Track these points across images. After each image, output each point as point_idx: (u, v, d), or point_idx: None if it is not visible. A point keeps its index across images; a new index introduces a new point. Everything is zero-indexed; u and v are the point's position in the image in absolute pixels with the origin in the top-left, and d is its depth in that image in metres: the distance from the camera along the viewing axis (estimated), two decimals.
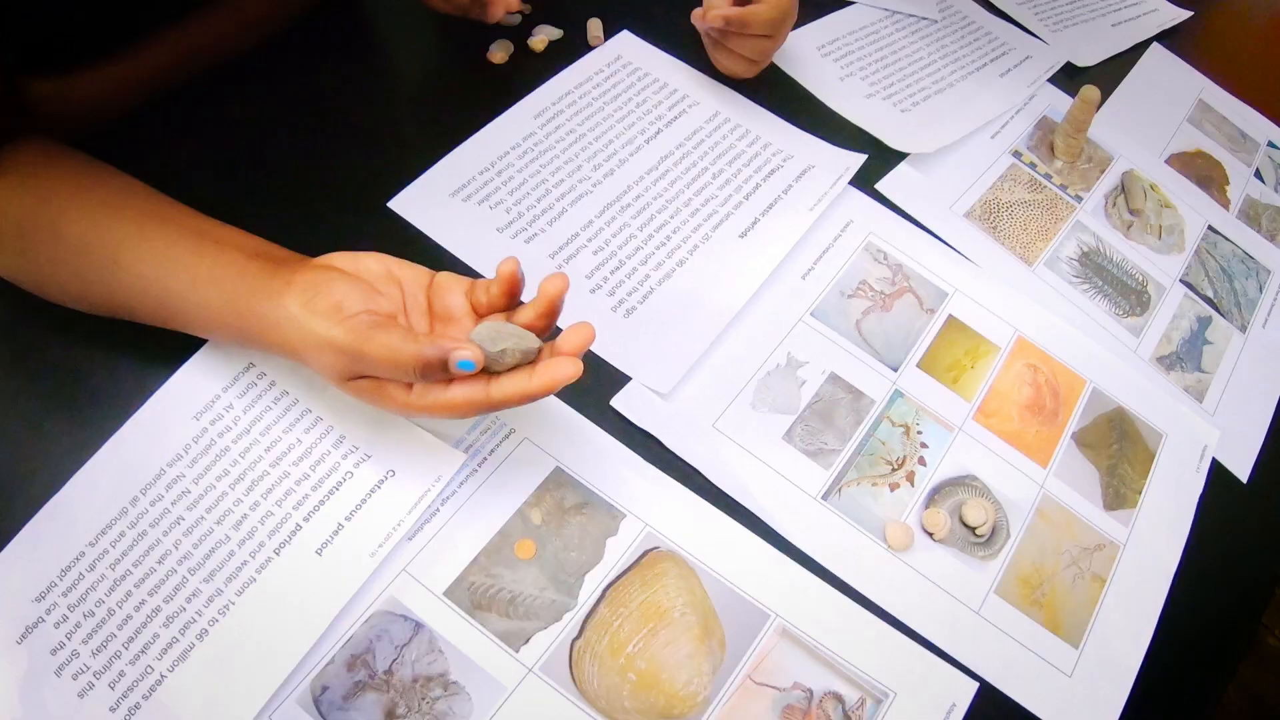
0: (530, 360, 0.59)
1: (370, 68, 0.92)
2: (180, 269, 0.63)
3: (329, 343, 0.58)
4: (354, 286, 0.60)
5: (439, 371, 0.57)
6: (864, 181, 0.90)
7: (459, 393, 0.58)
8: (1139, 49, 1.21)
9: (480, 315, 0.62)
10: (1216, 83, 1.23)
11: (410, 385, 0.59)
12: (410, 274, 0.63)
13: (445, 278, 0.63)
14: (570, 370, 0.57)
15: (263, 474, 0.67)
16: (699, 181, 0.85)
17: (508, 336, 0.58)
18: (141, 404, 0.68)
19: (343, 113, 0.87)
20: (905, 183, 0.91)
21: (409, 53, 0.94)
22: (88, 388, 0.69)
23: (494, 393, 0.58)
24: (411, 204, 0.80)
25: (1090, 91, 0.97)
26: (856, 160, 0.90)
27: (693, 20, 0.87)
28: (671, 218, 0.83)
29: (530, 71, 0.92)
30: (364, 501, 0.66)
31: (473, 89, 0.91)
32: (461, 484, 0.67)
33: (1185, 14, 1.31)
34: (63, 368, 0.70)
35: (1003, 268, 0.88)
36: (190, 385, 0.69)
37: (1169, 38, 1.26)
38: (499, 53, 0.92)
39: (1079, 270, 0.91)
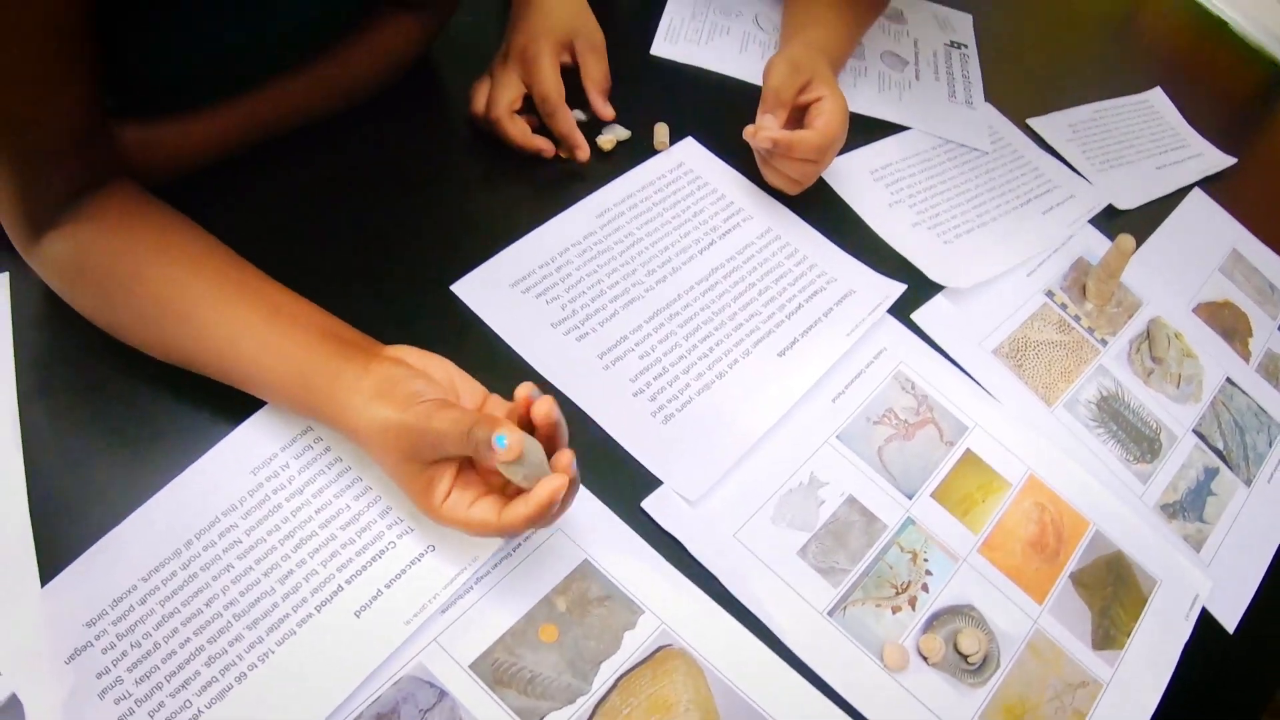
0: (541, 453, 0.66)
1: (445, 145, 0.99)
2: (253, 337, 0.70)
3: (398, 424, 0.65)
4: (428, 384, 0.67)
5: (485, 446, 0.63)
6: (901, 310, 0.96)
7: (476, 512, 0.66)
8: (1180, 193, 1.27)
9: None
10: (1252, 231, 1.28)
11: (447, 493, 0.67)
12: (468, 388, 0.70)
13: (496, 403, 0.70)
14: (555, 484, 0.64)
15: (311, 534, 0.72)
16: (745, 296, 0.91)
17: (530, 452, 0.64)
18: (203, 453, 0.74)
19: (414, 187, 0.94)
20: (940, 315, 0.97)
21: (482, 134, 0.99)
22: (152, 429, 0.75)
23: (504, 517, 0.65)
24: (473, 290, 0.87)
25: (1126, 242, 1.03)
26: (896, 290, 0.96)
27: (744, 136, 0.94)
28: (716, 330, 0.89)
29: (597, 169, 0.99)
30: (404, 572, 0.72)
31: (541, 179, 0.98)
32: (495, 566, 0.73)
33: (1229, 160, 1.36)
34: (131, 406, 0.76)
35: (1023, 406, 0.94)
36: (250, 441, 0.75)
37: (1210, 183, 1.31)
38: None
39: (1096, 414, 0.96)
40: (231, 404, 0.75)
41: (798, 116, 0.96)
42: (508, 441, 0.63)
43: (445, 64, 1.05)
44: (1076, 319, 1.03)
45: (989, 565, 0.84)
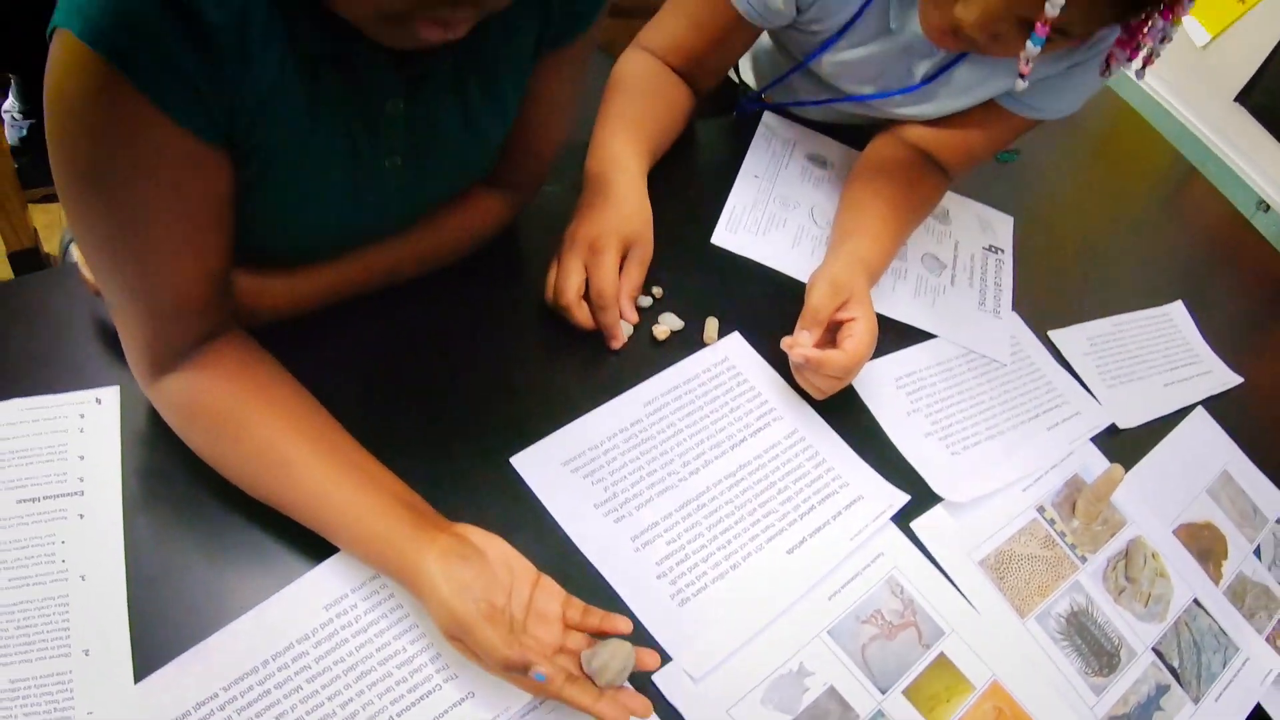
0: (628, 669, 0.82)
1: (517, 314, 1.14)
2: (340, 494, 0.86)
3: (450, 610, 0.80)
4: (481, 572, 0.82)
5: (520, 671, 0.79)
6: (902, 517, 1.10)
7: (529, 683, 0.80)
8: (1184, 411, 1.40)
9: (567, 627, 0.84)
10: (1247, 454, 1.41)
11: None
12: (522, 568, 0.85)
13: (548, 583, 0.86)
14: (621, 711, 0.80)
15: (370, 668, 0.87)
16: (766, 494, 1.06)
17: (605, 654, 0.81)
18: (285, 585, 0.88)
19: (486, 353, 1.09)
20: (937, 526, 1.11)
21: (550, 314, 1.14)
22: (243, 555, 0.89)
23: (565, 690, 0.80)
24: (530, 465, 1.02)
25: (1116, 472, 1.17)
26: (900, 499, 1.10)
27: (781, 346, 1.10)
28: (736, 524, 1.03)
29: (650, 355, 1.14)
30: (445, 713, 0.86)
31: (600, 361, 1.13)
32: (525, 715, 0.88)
33: (1236, 379, 1.49)
34: (226, 531, 0.90)
35: (998, 617, 1.08)
36: (325, 580, 0.90)
37: (1214, 401, 1.44)
38: (624, 332, 1.14)
39: (1064, 628, 1.10)
40: (312, 545, 0.89)
41: (833, 329, 1.11)
42: (546, 674, 0.78)
43: (527, 229, 1.20)
44: (1062, 535, 1.17)
45: None
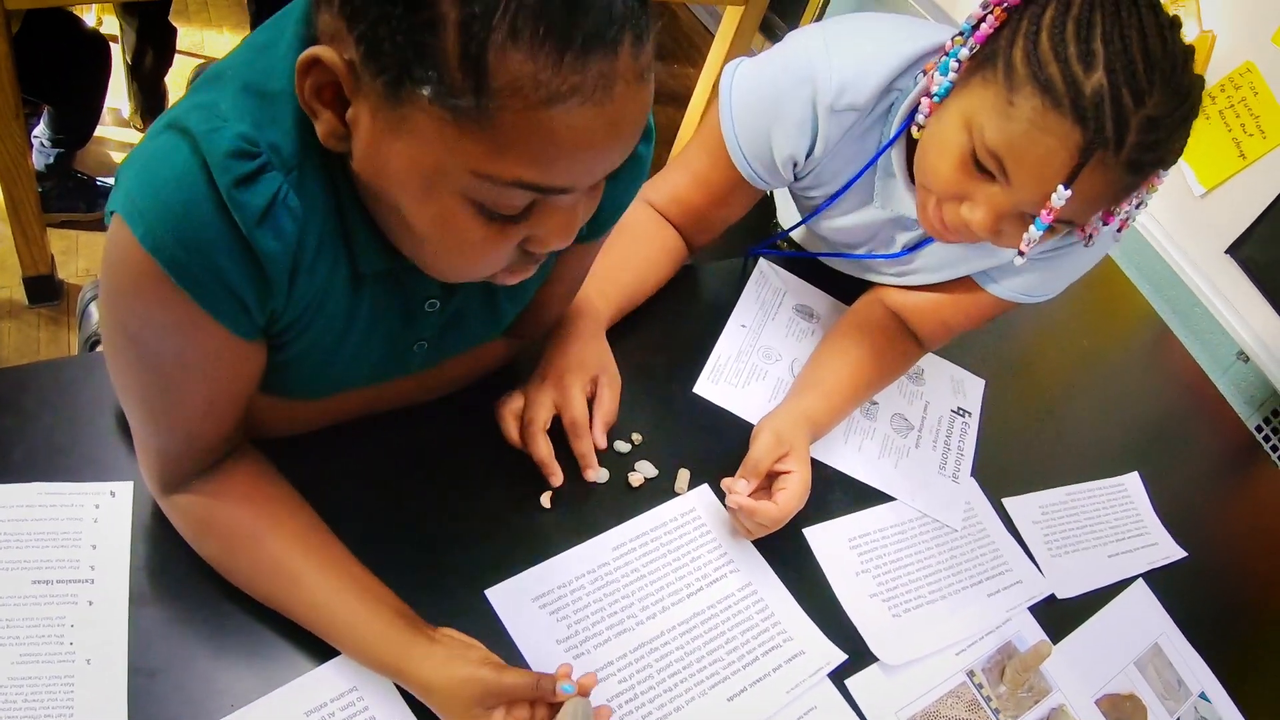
0: None
1: (500, 450, 1.23)
2: (345, 606, 0.97)
3: (476, 678, 0.93)
4: (483, 652, 0.96)
5: (551, 694, 0.93)
6: (839, 673, 1.21)
7: None
8: (1125, 583, 1.51)
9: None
10: (1181, 628, 1.52)
11: None
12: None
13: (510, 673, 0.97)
14: None
15: None
16: (715, 643, 1.17)
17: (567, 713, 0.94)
18: (275, 686, 0.97)
19: (468, 485, 1.20)
20: (870, 685, 1.22)
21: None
22: (238, 655, 0.97)
23: None
24: (503, 598, 1.12)
25: (1044, 647, 1.29)
26: (838, 658, 1.20)
27: (721, 485, 1.22)
28: (684, 669, 1.14)
29: (624, 500, 1.25)
30: None
31: (576, 502, 1.23)
32: None
33: (1180, 554, 1.60)
34: (224, 629, 0.98)
35: None
36: (312, 687, 0.99)
37: (1156, 574, 1.55)
38: (600, 476, 1.25)
39: None
40: (302, 650, 1.00)
41: (771, 476, 1.23)
42: (572, 683, 0.94)
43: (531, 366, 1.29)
44: (988, 699, 1.29)
45: None
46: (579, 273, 1.16)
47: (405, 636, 0.93)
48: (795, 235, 1.61)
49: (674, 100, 3.51)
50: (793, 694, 1.16)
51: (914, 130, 1.20)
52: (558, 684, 0.95)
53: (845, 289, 1.60)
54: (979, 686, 1.28)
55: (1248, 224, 2.56)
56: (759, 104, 1.28)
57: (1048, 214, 1.06)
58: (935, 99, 1.14)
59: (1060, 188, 1.03)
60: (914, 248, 1.39)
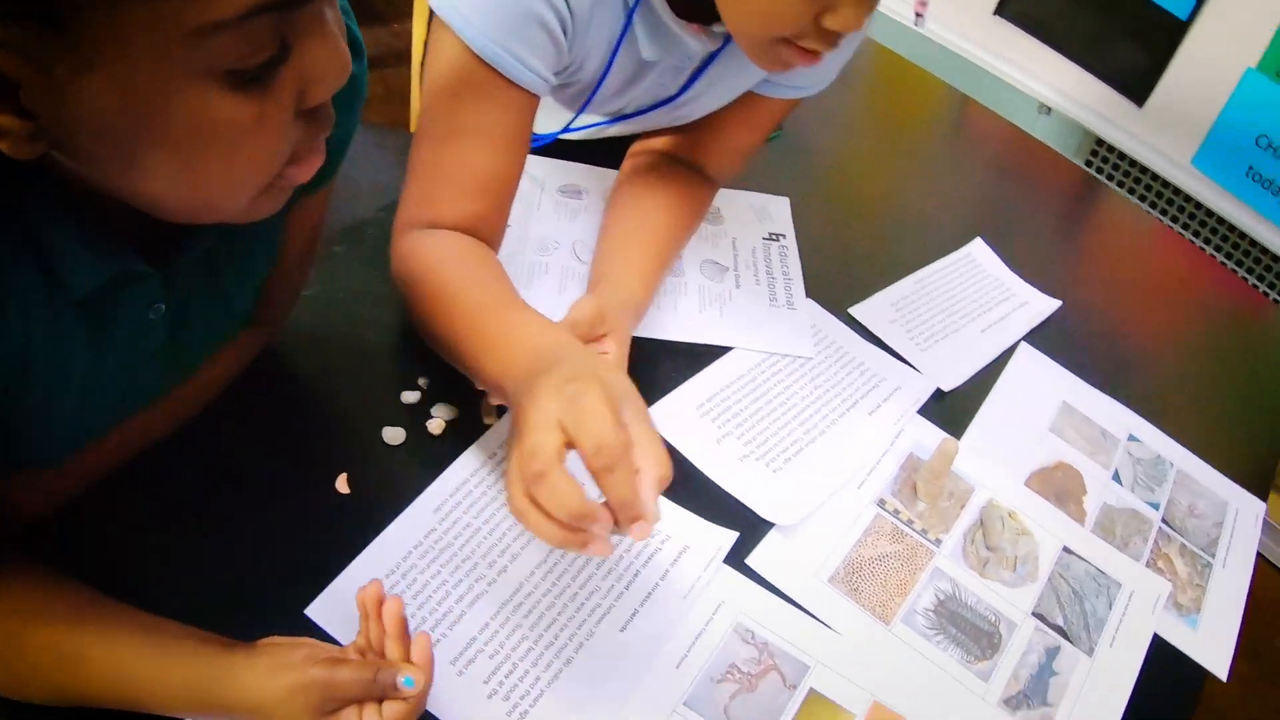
0: None
1: (287, 448, 1.08)
2: (144, 661, 0.80)
3: (306, 683, 0.77)
4: (312, 648, 0.81)
5: (393, 689, 0.79)
6: (736, 554, 1.06)
7: None
8: (1008, 353, 1.39)
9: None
10: (1081, 376, 1.40)
11: None
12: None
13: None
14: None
15: None
16: (584, 573, 1.01)
17: None
18: None
19: (259, 491, 1.03)
20: (773, 555, 1.07)
21: (312, 434, 1.10)
22: None
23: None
24: (327, 612, 0.94)
25: (949, 445, 1.14)
26: (728, 539, 1.06)
27: None
28: (559, 614, 0.98)
29: (431, 454, 1.08)
30: None
31: (370, 478, 1.06)
32: None
33: (1054, 304, 1.49)
34: None
35: (861, 631, 1.04)
36: None
37: (1037, 333, 1.44)
38: (396, 437, 1.08)
39: (934, 621, 1.07)
40: None
41: None
42: (415, 679, 0.79)
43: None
44: (909, 523, 1.14)
45: None
46: (310, 232, 1.00)
47: (217, 660, 0.79)
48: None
49: (401, 60, 3.32)
50: (691, 596, 1.01)
51: None
52: (398, 677, 0.80)
53: (608, 155, 1.45)
54: (895, 513, 1.14)
55: None
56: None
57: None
58: None
59: None
60: (691, 80, 1.23)
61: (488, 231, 1.10)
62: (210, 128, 0.62)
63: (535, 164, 1.46)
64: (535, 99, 1.10)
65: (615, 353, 1.07)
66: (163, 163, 0.64)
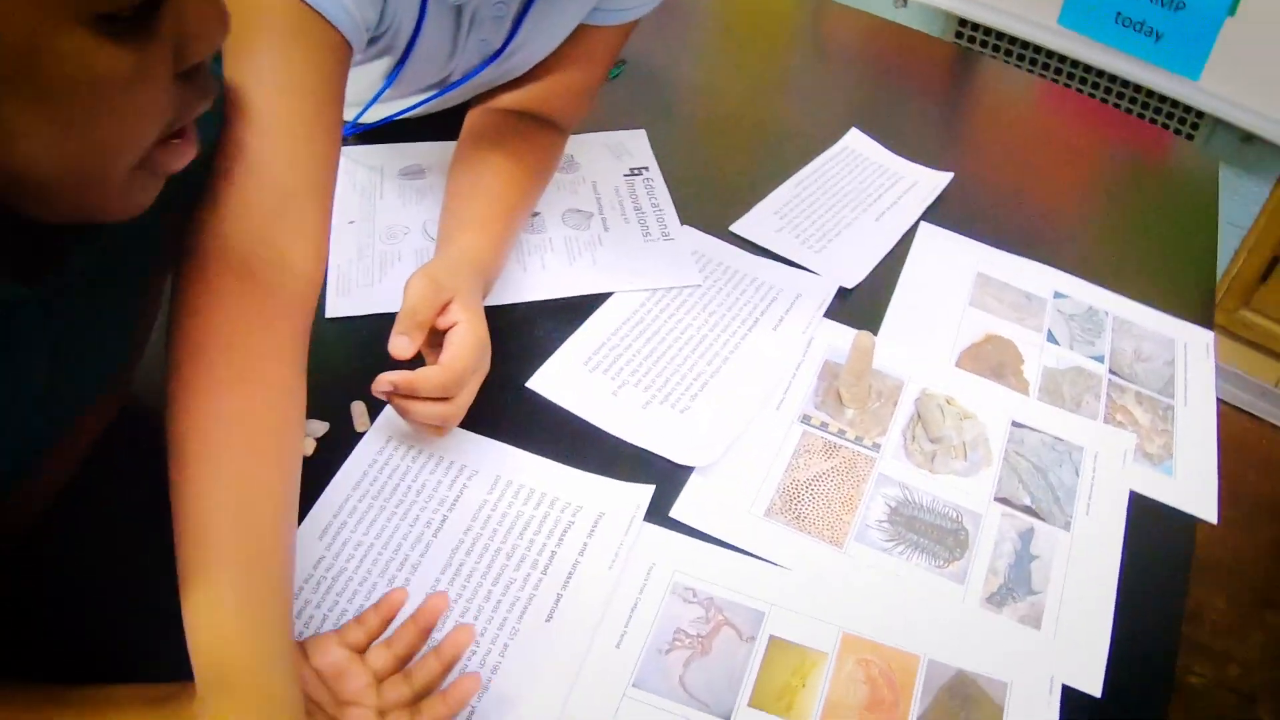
0: None
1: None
2: None
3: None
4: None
5: None
6: (659, 511, 0.95)
7: None
8: (908, 237, 1.29)
9: (361, 651, 0.78)
10: (990, 243, 1.31)
11: None
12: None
13: (312, 646, 0.77)
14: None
15: None
16: (494, 568, 0.90)
17: None
18: None
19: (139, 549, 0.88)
20: (699, 500, 0.96)
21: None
22: None
23: None
24: None
25: (864, 339, 1.04)
26: (645, 494, 0.95)
27: (373, 389, 0.92)
28: (476, 619, 0.86)
29: (306, 476, 0.95)
30: None
31: None
32: None
33: (946, 177, 1.39)
34: None
35: (813, 562, 0.93)
36: None
37: (935, 211, 1.33)
38: None
39: (890, 531, 0.96)
40: None
41: (439, 341, 0.94)
42: None
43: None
44: (841, 434, 1.03)
45: None
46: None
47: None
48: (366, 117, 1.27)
49: None
50: (616, 566, 0.91)
51: None
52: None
53: (447, 130, 1.30)
54: (823, 427, 1.04)
55: None
56: None
57: None
58: None
59: None
60: (515, 27, 1.10)
61: (306, 230, 0.86)
62: (86, 79, 0.55)
63: (373, 152, 1.35)
64: (350, 51, 0.95)
65: (465, 317, 0.94)
66: (35, 121, 0.56)
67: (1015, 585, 0.95)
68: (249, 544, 0.74)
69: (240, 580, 0.73)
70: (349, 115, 1.20)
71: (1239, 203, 2.34)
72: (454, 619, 0.88)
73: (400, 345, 0.92)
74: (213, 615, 0.71)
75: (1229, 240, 2.40)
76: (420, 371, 0.90)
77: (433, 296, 0.93)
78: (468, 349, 0.91)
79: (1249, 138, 2.20)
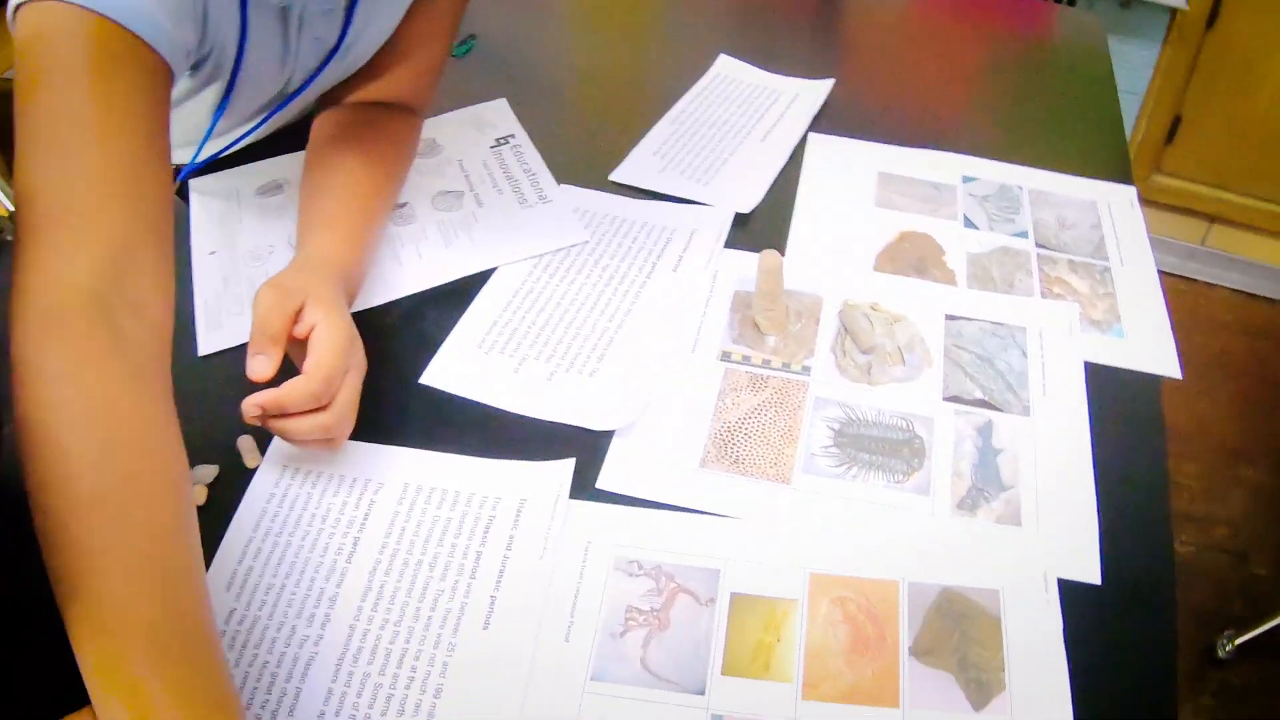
0: None
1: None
2: None
3: None
4: None
5: None
6: (585, 485, 0.87)
7: None
8: (799, 149, 1.21)
9: None
10: (883, 140, 1.24)
11: None
12: None
13: None
14: None
15: None
16: (419, 583, 0.82)
17: None
18: None
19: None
20: (626, 465, 0.88)
21: None
22: None
23: None
24: None
25: (769, 259, 0.96)
26: (566, 469, 0.87)
27: (245, 415, 0.83)
28: (407, 642, 0.78)
29: (204, 530, 0.86)
30: None
31: None
32: None
33: (828, 84, 1.32)
34: None
35: (762, 505, 0.85)
36: None
37: (822, 119, 1.26)
38: None
39: (838, 456, 0.89)
40: None
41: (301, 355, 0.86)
42: None
43: None
44: (766, 364, 0.96)
45: (823, 706, 0.75)
46: None
47: None
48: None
49: None
50: (549, 553, 0.83)
51: None
52: None
53: (300, 141, 1.20)
54: (746, 360, 0.96)
55: None
56: None
57: None
58: None
59: None
60: (348, 18, 1.02)
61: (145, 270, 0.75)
62: None
63: (225, 178, 1.25)
64: (171, 76, 0.84)
65: (321, 316, 0.85)
66: None
67: (985, 485, 0.88)
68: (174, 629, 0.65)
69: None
70: (185, 157, 1.10)
71: (1129, 69, 2.30)
72: (383, 645, 0.79)
73: (258, 365, 0.83)
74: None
75: (1128, 108, 2.35)
76: (285, 385, 0.81)
77: (281, 305, 0.84)
78: (331, 348, 0.82)
79: (1127, 2, 2.15)
